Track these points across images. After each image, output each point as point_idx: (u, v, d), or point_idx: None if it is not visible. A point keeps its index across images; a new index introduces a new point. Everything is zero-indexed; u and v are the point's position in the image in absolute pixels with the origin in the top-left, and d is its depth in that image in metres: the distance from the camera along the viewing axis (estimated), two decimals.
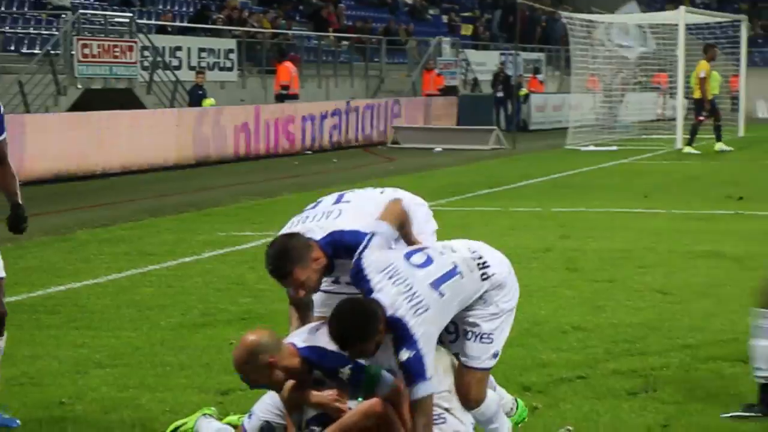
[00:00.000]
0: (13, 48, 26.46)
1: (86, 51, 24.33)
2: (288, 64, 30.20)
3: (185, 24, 32.38)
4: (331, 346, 5.31)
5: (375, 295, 5.25)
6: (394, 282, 5.27)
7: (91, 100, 23.96)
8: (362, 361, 5.34)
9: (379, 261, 5.33)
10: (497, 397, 5.79)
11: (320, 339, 5.37)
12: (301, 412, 5.60)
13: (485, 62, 43.51)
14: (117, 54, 25.20)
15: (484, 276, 5.45)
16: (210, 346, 8.24)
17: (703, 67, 27.73)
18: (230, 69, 30.75)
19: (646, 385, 7.06)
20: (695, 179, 21.27)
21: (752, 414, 6.39)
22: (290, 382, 5.47)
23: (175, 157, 24.17)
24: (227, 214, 16.27)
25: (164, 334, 8.68)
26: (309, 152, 28.72)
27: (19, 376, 7.44)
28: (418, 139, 31.20)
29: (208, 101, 26.99)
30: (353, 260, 5.36)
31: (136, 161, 23.06)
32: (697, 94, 28.01)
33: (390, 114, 33.24)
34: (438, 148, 29.65)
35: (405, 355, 5.18)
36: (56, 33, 25.62)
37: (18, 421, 6.41)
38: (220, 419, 6.11)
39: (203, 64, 29.25)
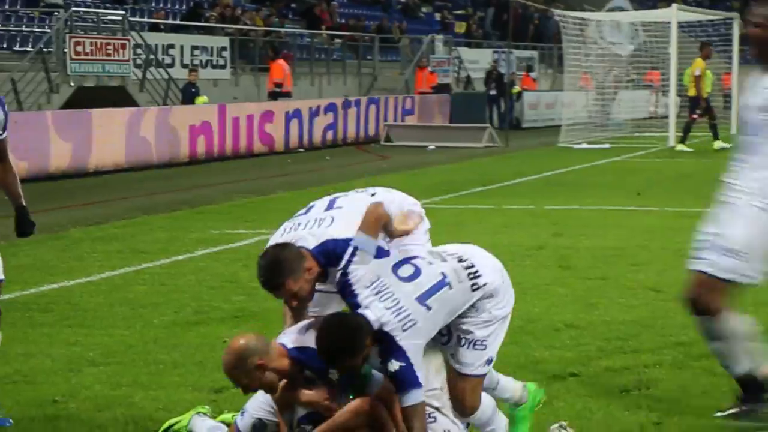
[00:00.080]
0: (5, 46, 26.44)
1: (79, 49, 24.32)
2: (281, 62, 30.21)
3: (178, 22, 32.37)
4: None
5: (362, 311, 5.24)
6: (381, 297, 5.24)
7: (84, 98, 23.94)
8: None
9: (366, 276, 5.30)
10: (492, 401, 5.77)
11: (310, 339, 5.35)
12: (292, 410, 5.60)
13: (478, 60, 43.53)
14: (110, 52, 25.19)
15: (475, 287, 5.38)
16: (203, 344, 8.24)
17: (698, 65, 27.75)
18: (223, 67, 30.74)
19: (639, 383, 7.07)
20: (688, 177, 21.30)
21: (741, 410, 6.37)
22: (282, 382, 5.47)
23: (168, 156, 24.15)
24: (220, 212, 16.27)
25: (157, 332, 8.67)
26: (302, 150, 28.72)
27: (12, 374, 7.44)
28: (411, 137, 31.21)
29: (201, 99, 26.98)
30: (338, 276, 5.33)
31: (129, 159, 23.04)
32: (691, 92, 28.02)
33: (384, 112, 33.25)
34: (431, 146, 29.66)
35: (395, 366, 5.17)
36: (49, 31, 25.60)
37: (11, 421, 6.41)
38: (214, 418, 6.11)
39: (196, 62, 29.22)
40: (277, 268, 5.33)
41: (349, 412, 5.42)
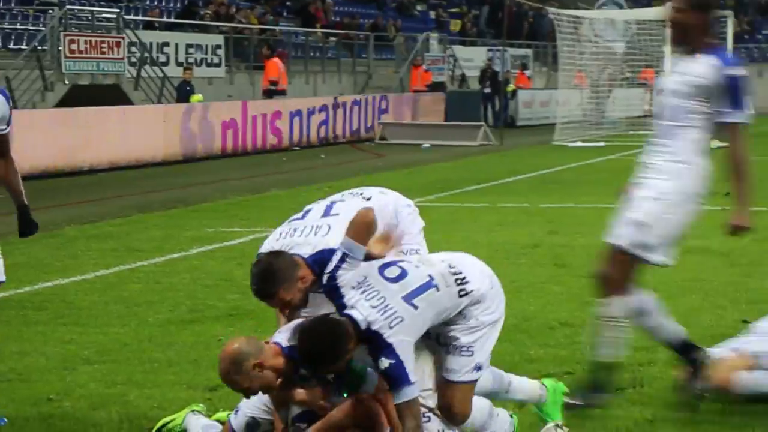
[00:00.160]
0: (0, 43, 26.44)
1: (73, 47, 24.30)
2: (276, 60, 30.20)
3: (173, 20, 32.36)
4: None
5: (349, 311, 5.23)
6: (367, 296, 5.24)
7: (79, 96, 23.92)
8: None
9: (352, 278, 5.29)
10: (487, 404, 5.75)
11: None
12: (287, 408, 5.61)
13: (473, 58, 43.55)
14: (104, 50, 25.17)
15: (462, 292, 5.37)
16: (198, 342, 8.24)
17: None
18: (218, 65, 30.73)
19: (633, 381, 7.09)
20: None
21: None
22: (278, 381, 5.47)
23: (163, 154, 24.14)
24: (215, 210, 16.26)
25: (152, 331, 8.67)
26: (296, 148, 28.72)
27: (7, 373, 7.44)
28: (406, 135, 31.21)
29: (196, 97, 26.96)
30: (325, 279, 5.31)
31: (124, 157, 23.03)
32: None
33: (377, 110, 33.24)
34: (426, 144, 29.66)
35: (385, 363, 5.17)
36: (43, 29, 25.57)
37: (5, 419, 6.40)
38: (209, 416, 6.11)
39: (191, 60, 29.22)
40: (270, 277, 5.29)
41: (344, 410, 5.43)
